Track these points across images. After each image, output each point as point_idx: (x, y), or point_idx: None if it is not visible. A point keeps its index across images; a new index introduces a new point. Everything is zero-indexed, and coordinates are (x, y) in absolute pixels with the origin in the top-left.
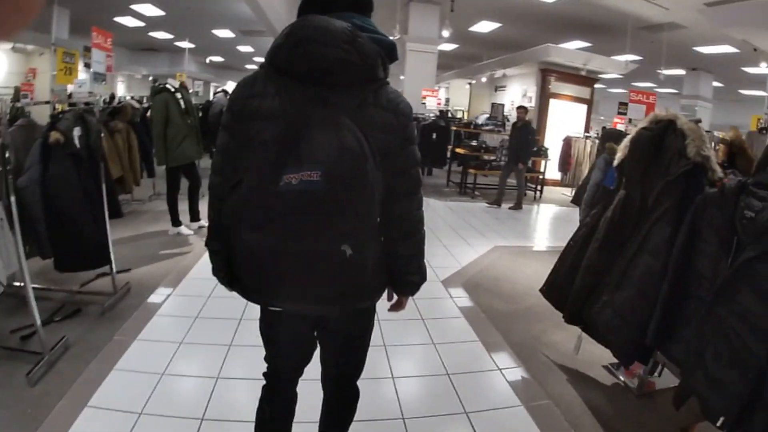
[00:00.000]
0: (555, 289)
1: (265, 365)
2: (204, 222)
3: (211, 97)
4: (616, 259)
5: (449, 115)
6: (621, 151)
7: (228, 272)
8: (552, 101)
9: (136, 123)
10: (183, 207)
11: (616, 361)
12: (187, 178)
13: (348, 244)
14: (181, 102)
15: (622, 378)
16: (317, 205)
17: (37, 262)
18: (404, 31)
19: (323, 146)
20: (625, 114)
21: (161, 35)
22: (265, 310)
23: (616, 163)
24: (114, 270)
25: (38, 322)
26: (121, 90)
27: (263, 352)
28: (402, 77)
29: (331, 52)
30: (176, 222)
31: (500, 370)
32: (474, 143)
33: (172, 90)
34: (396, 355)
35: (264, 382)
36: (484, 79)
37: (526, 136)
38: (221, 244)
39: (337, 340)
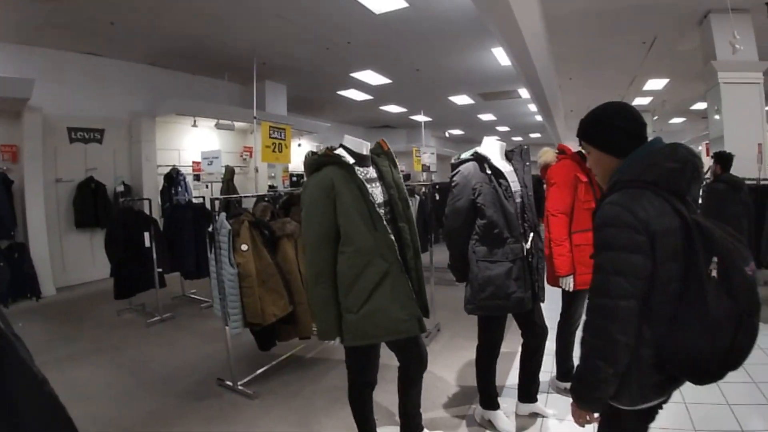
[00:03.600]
0: None
1: None
2: None
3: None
4: None
5: None
6: None
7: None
8: None
9: None
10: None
11: None
12: (397, 357)
13: None
14: (376, 188)
15: None
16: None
17: None
18: (709, 56)
19: (724, 237)
20: None
21: (393, 109)
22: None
23: None
24: None
25: None
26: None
27: None
28: (716, 117)
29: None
30: None
31: None
32: None
33: (351, 162)
34: None
35: None
36: None
37: None
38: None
39: None
